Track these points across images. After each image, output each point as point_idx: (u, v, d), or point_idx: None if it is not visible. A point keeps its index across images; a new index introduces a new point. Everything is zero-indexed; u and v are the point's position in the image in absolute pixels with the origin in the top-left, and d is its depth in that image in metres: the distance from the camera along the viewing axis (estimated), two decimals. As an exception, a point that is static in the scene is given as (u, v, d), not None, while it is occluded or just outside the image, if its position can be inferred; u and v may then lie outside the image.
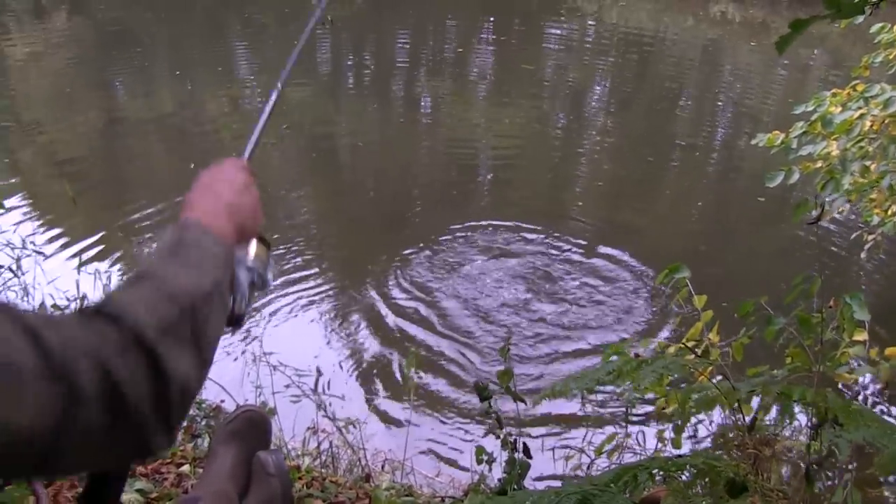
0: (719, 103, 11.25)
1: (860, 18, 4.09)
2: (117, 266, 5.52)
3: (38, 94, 10.37)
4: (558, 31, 15.53)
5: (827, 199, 4.29)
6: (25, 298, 4.36)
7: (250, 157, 1.36)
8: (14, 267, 4.13)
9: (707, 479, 1.54)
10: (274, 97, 1.58)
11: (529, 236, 6.24)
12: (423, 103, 11.02)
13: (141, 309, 0.71)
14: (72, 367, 0.61)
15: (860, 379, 3.91)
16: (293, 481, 2.57)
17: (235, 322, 1.11)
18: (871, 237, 5.24)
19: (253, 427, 2.02)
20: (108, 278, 4.92)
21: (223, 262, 0.95)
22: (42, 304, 4.19)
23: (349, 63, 13.23)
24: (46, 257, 4.98)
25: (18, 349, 0.59)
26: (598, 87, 12.06)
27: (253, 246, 1.15)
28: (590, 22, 16.73)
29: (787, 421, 2.76)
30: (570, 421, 4.14)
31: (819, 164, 4.45)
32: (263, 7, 16.70)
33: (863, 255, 5.54)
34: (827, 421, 1.94)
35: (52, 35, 13.97)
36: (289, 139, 8.67)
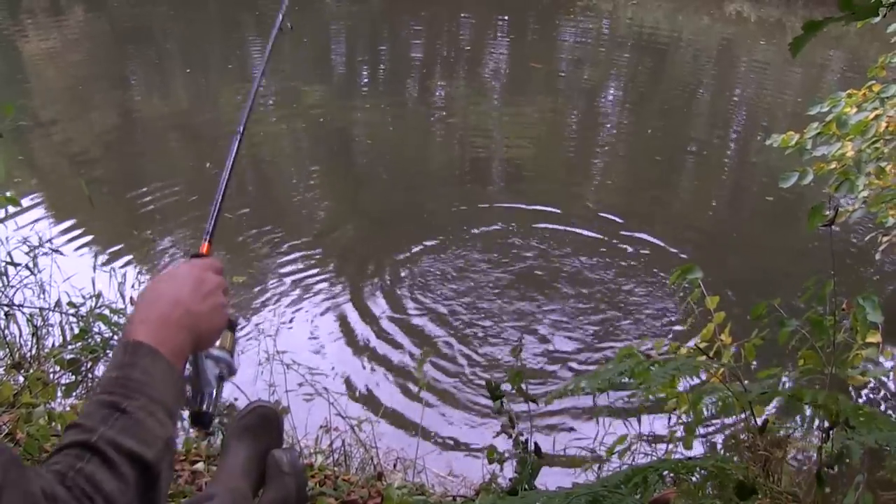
0: (734, 102, 11.20)
1: (877, 18, 4.09)
2: (132, 264, 5.56)
3: (55, 91, 10.45)
4: (573, 29, 15.50)
5: (847, 206, 4.28)
6: (42, 296, 4.41)
7: (211, 237, 1.30)
8: (31, 265, 4.17)
9: (717, 482, 1.54)
10: (235, 145, 1.48)
11: (544, 233, 6.24)
12: (436, 100, 11.03)
13: (101, 501, 0.75)
14: None
15: (872, 381, 3.90)
16: (307, 479, 2.60)
17: (206, 423, 1.10)
18: (885, 238, 5.23)
19: (265, 422, 2.04)
20: (124, 276, 4.96)
21: (175, 391, 0.91)
22: (58, 302, 4.23)
23: (363, 59, 13.27)
24: (62, 254, 5.01)
25: None
26: (612, 85, 12.03)
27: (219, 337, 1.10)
28: (605, 20, 16.69)
29: (800, 423, 2.77)
30: (581, 422, 4.14)
31: (833, 166, 4.44)
32: (274, 3, 16.75)
33: (877, 256, 5.52)
34: (838, 423, 1.94)
35: (68, 31, 14.07)
36: (303, 136, 8.72)
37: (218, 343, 1.11)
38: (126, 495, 0.77)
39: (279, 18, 1.91)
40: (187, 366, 1.06)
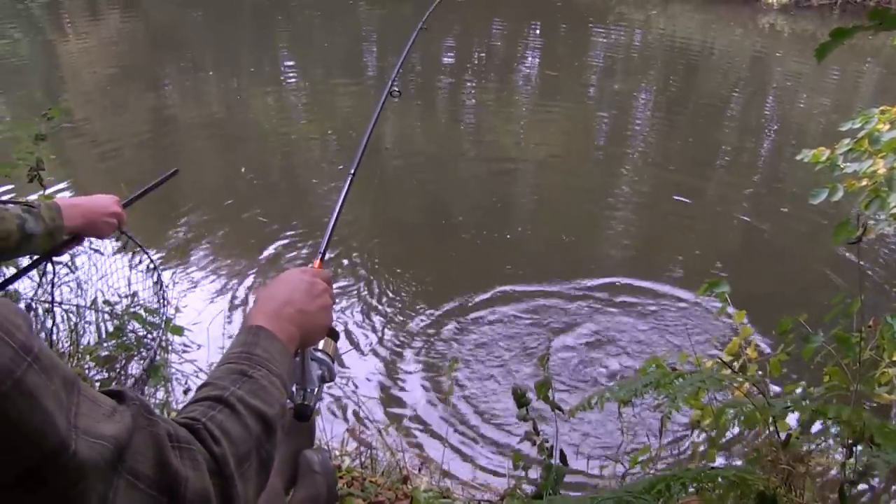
0: (766, 116, 11.14)
1: (911, 35, 4.08)
2: (166, 265, 5.65)
3: (91, 93, 10.63)
4: (605, 39, 15.50)
5: (871, 222, 4.26)
6: (79, 293, 4.50)
7: (324, 256, 1.52)
8: (70, 263, 4.26)
9: (739, 492, 1.57)
10: (347, 185, 1.75)
11: (571, 249, 6.26)
12: (466, 107, 11.08)
13: (227, 444, 0.88)
14: (179, 490, 0.80)
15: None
16: (336, 480, 2.65)
17: (306, 415, 1.27)
18: (916, 256, 5.20)
19: (298, 424, 2.10)
20: (158, 276, 5.04)
21: (287, 371, 1.07)
22: (94, 300, 4.32)
23: (395, 63, 13.32)
24: (100, 253, 5.12)
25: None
26: (643, 96, 11.99)
27: (322, 342, 1.29)
28: (637, 30, 16.67)
29: (823, 439, 2.78)
30: (606, 430, 4.16)
31: (864, 183, 4.42)
32: (306, 7, 16.92)
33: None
34: (862, 440, 1.96)
35: (105, 33, 14.31)
36: (331, 145, 8.80)
37: (322, 347, 1.31)
38: (248, 443, 0.91)
39: (388, 84, 2.11)
40: (295, 366, 1.24)
